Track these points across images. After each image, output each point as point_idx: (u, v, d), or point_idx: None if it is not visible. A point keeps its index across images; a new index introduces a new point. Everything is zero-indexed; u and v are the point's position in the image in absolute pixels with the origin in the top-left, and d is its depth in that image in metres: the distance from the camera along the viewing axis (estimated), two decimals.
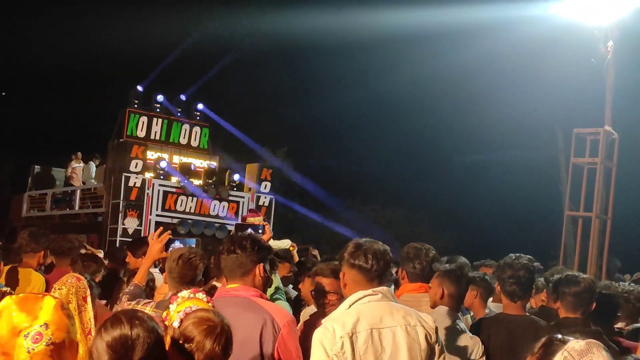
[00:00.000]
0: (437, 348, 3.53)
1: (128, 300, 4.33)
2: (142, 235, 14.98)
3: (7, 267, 5.76)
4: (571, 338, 2.30)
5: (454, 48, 25.15)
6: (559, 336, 2.34)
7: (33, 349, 2.52)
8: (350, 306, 3.49)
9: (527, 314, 4.62)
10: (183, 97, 19.68)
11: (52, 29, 29.51)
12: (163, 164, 17.24)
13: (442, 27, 20.51)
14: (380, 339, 3.39)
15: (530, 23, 16.92)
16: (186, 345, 2.67)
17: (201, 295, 3.14)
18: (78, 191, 18.81)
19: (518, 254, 4.61)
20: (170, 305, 3.07)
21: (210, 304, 3.16)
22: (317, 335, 3.38)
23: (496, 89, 26.85)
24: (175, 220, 16.80)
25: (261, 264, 3.78)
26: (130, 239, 13.19)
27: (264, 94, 32.38)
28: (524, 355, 2.38)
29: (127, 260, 6.63)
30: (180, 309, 2.97)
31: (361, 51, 30.29)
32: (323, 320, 3.53)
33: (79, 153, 20.08)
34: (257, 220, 13.23)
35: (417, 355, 3.43)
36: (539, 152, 28.12)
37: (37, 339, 2.53)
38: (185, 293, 3.12)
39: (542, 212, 27.75)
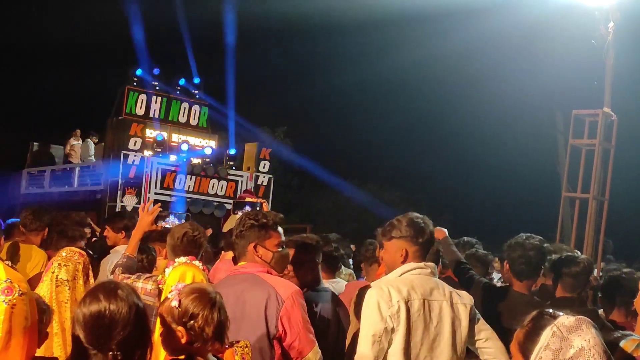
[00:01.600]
0: (475, 322, 3.71)
1: (123, 273, 4.33)
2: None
3: (8, 243, 5.79)
4: (561, 313, 2.35)
5: (453, 29, 25.03)
6: (550, 311, 2.38)
7: (10, 300, 2.63)
8: (401, 274, 3.63)
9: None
10: (182, 75, 19.62)
11: (50, 4, 29.39)
12: (160, 138, 17.29)
13: (441, 8, 20.38)
14: (429, 310, 3.54)
15: (530, 4, 16.86)
16: (191, 323, 2.68)
17: (197, 262, 3.18)
18: (77, 169, 18.80)
19: (529, 234, 4.64)
20: (166, 269, 3.11)
21: (205, 272, 3.21)
22: (373, 296, 3.50)
23: (495, 70, 26.75)
24: (173, 199, 16.83)
25: (254, 243, 3.82)
26: None
27: (264, 73, 32.26)
28: (514, 329, 2.43)
29: (105, 234, 6.63)
30: (175, 274, 3.00)
31: (360, 31, 30.17)
32: (374, 283, 3.65)
33: (78, 130, 20.05)
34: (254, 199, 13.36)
35: (458, 330, 3.60)
36: (537, 134, 28.11)
37: (7, 292, 2.64)
38: (182, 259, 3.16)
39: (540, 193, 27.79)
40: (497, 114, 28.15)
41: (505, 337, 4.11)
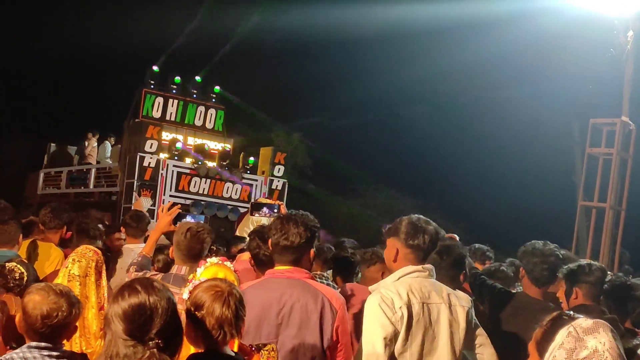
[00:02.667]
0: (473, 324, 3.70)
1: (136, 271, 4.38)
2: (155, 216, 15.05)
3: (27, 241, 5.84)
4: (581, 316, 2.35)
5: (471, 40, 25.03)
6: (570, 312, 2.39)
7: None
8: (399, 278, 3.61)
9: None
10: (198, 79, 19.69)
11: (68, 6, 29.60)
12: (178, 146, 17.34)
13: (458, 20, 20.41)
14: (428, 313, 3.54)
15: (547, 13, 16.82)
16: (197, 313, 2.70)
17: (229, 263, 3.20)
18: (93, 170, 18.91)
19: (544, 241, 4.62)
20: (198, 269, 3.13)
21: (236, 273, 3.22)
22: (375, 302, 3.49)
23: (512, 80, 26.71)
24: (188, 201, 16.88)
25: (313, 248, 3.82)
26: None
27: (283, 79, 32.33)
28: (529, 336, 2.42)
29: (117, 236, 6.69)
30: (207, 275, 3.02)
31: (379, 43, 30.22)
32: (372, 287, 3.65)
33: (97, 132, 20.13)
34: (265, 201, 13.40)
35: (457, 333, 3.59)
36: (553, 143, 28.01)
37: None
38: (214, 259, 3.18)
39: (555, 203, 27.63)
40: (513, 123, 28.08)
41: (519, 343, 4.10)
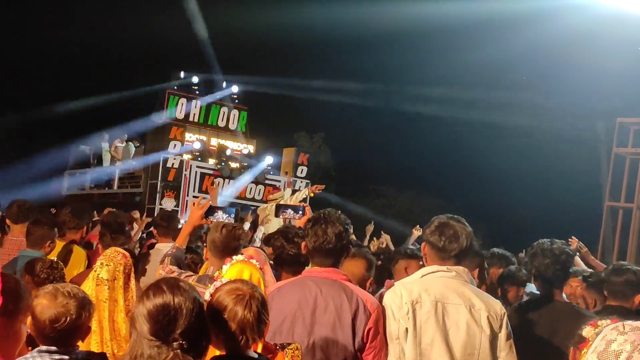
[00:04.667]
0: (502, 334, 3.53)
1: (171, 263, 4.40)
2: (180, 216, 15.12)
3: (62, 243, 5.87)
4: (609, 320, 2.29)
5: (495, 38, 24.85)
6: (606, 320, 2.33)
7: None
8: (422, 276, 3.59)
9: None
10: (222, 80, 19.78)
11: (94, 9, 29.87)
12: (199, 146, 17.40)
13: (484, 17, 20.29)
14: (443, 312, 3.47)
15: (572, 12, 16.66)
16: (220, 316, 2.68)
17: (254, 261, 3.17)
18: (117, 171, 19.04)
19: (550, 239, 4.54)
20: (224, 266, 3.11)
21: (262, 271, 3.20)
22: (387, 299, 3.52)
23: (536, 79, 26.52)
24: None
25: (349, 248, 3.81)
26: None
27: (303, 79, 32.35)
28: (567, 341, 2.37)
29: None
30: (232, 271, 2.99)
31: (401, 42, 30.07)
32: (395, 284, 3.66)
33: (125, 135, 20.19)
34: (279, 195, 13.44)
35: (477, 337, 3.47)
36: (578, 142, 27.76)
37: None
38: (240, 257, 3.16)
39: (580, 204, 27.38)
40: (537, 122, 27.87)
41: (548, 347, 4.03)
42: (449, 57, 27.47)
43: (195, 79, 19.06)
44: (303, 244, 3.86)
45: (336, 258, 3.74)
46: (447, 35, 25.83)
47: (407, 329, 3.44)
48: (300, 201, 12.64)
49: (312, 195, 12.39)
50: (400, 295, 3.48)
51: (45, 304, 2.99)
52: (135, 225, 11.27)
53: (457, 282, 3.56)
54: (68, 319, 2.96)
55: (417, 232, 10.53)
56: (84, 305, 3.07)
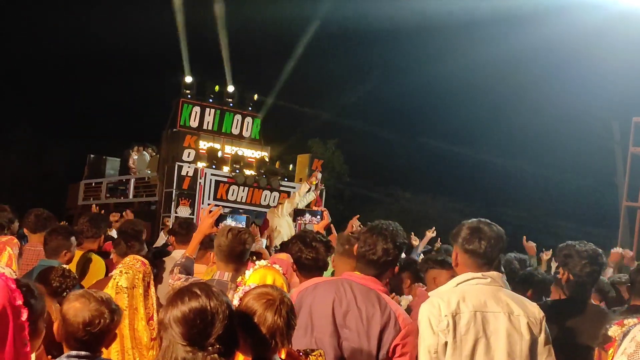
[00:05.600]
0: (541, 339, 3.49)
1: (179, 273, 4.38)
2: (195, 222, 15.12)
3: (80, 252, 5.90)
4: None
5: (509, 35, 24.71)
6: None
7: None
8: (457, 285, 3.53)
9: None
10: (233, 88, 19.78)
11: (106, 18, 30.04)
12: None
13: (497, 14, 20.18)
14: (482, 322, 3.41)
15: (587, 9, 16.56)
16: (249, 321, 2.67)
17: (277, 266, 3.18)
18: (132, 180, 19.08)
19: (582, 241, 4.51)
20: (247, 272, 3.11)
21: (285, 276, 3.20)
22: (424, 311, 3.46)
23: (550, 78, 26.38)
24: (226, 210, 16.94)
25: (397, 265, 3.82)
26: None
27: (317, 84, 32.38)
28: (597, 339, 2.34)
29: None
30: (255, 277, 2.99)
31: (413, 38, 29.95)
32: (430, 293, 3.62)
33: (141, 147, 20.20)
34: (289, 201, 13.50)
35: (517, 344, 3.42)
36: (593, 143, 27.58)
37: None
38: (262, 262, 3.17)
39: (596, 204, 27.22)
40: (551, 123, 27.74)
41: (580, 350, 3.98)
42: (462, 56, 27.39)
43: (208, 87, 19.10)
44: (354, 248, 3.84)
45: (379, 270, 3.74)
46: (459, 33, 25.75)
47: (446, 343, 3.38)
48: (310, 202, 12.69)
49: (313, 184, 12.48)
50: (438, 307, 3.41)
51: (78, 307, 3.01)
52: (163, 235, 11.36)
53: (493, 288, 3.50)
54: (102, 322, 2.99)
55: (430, 234, 10.50)
56: (116, 310, 3.11)
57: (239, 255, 4.21)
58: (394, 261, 3.75)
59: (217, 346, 2.40)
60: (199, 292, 2.46)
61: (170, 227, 9.74)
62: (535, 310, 3.52)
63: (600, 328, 2.74)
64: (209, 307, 2.42)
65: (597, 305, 4.47)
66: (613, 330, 2.46)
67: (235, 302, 2.73)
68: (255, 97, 19.96)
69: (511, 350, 3.40)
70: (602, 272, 4.51)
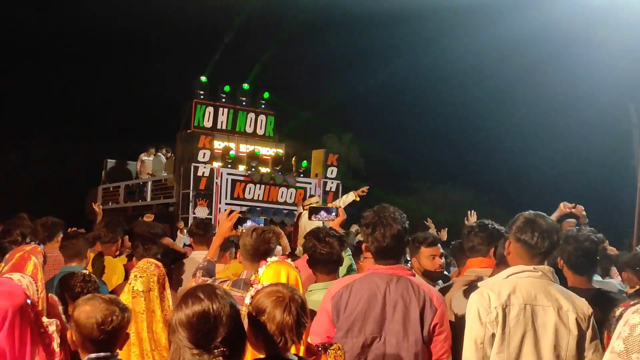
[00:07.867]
0: (588, 334, 3.49)
1: (202, 276, 4.46)
2: (213, 223, 15.20)
3: (92, 254, 5.96)
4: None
5: (518, 16, 24.46)
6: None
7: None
8: (508, 277, 3.55)
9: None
10: (246, 86, 19.82)
11: (115, 21, 30.18)
12: (233, 155, 17.47)
13: None
14: (531, 315, 3.43)
15: None
16: (258, 319, 2.71)
17: (289, 260, 3.23)
18: (149, 183, 19.19)
19: (577, 227, 4.53)
20: (260, 269, 3.16)
21: (297, 270, 3.24)
22: (474, 301, 3.50)
23: (566, 62, 26.16)
24: (244, 208, 17.00)
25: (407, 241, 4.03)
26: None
27: (329, 80, 32.33)
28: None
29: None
30: (268, 272, 3.03)
31: (416, 22, 29.60)
32: (480, 285, 3.63)
33: (152, 149, 20.29)
34: (314, 199, 13.49)
35: (564, 339, 3.43)
36: (610, 127, 27.36)
37: None
38: (274, 257, 3.22)
39: (614, 189, 27.03)
40: (567, 108, 27.55)
41: None
42: (473, 40, 27.12)
43: (221, 87, 19.15)
44: (364, 245, 3.93)
45: (398, 256, 3.87)
46: (465, 16, 25.47)
47: (493, 334, 3.39)
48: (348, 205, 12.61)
49: (357, 199, 12.37)
50: (488, 299, 3.44)
51: (89, 309, 3.08)
52: (180, 235, 11.43)
53: (543, 282, 3.51)
54: (114, 319, 3.07)
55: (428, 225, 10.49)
56: (125, 309, 3.18)
57: (263, 254, 4.27)
58: (407, 240, 3.92)
59: (222, 349, 2.43)
60: (202, 295, 2.50)
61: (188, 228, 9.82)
62: (584, 306, 3.53)
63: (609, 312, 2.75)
64: (211, 310, 2.46)
65: (596, 289, 4.43)
66: (620, 313, 2.47)
67: (247, 300, 2.77)
68: (267, 94, 19.98)
69: (558, 345, 3.41)
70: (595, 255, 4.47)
